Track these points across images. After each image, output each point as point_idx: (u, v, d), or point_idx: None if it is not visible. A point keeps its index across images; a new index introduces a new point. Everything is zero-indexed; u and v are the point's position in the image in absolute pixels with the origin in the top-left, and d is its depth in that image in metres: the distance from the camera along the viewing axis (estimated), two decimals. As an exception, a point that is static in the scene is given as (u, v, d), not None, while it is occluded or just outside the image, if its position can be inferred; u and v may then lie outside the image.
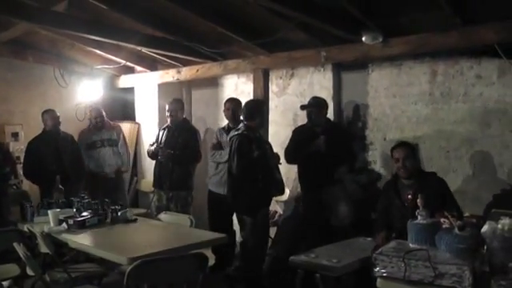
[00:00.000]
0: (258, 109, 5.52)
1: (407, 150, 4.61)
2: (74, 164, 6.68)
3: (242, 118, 5.55)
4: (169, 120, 6.65)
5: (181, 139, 6.51)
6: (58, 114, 6.78)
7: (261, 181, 5.22)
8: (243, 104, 5.70)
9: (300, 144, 5.80)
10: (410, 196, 4.38)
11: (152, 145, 6.74)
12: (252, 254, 5.41)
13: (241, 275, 5.50)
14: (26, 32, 6.87)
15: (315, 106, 5.80)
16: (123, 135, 7.65)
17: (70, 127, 7.35)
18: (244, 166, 5.19)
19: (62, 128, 6.87)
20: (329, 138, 5.62)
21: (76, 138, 7.17)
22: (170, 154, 6.42)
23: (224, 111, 6.41)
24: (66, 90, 8.33)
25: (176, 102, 6.74)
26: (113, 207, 5.06)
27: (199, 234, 4.73)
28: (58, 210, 5.03)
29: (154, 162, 6.75)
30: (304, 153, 5.72)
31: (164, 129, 6.73)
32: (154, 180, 6.76)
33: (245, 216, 5.36)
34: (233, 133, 5.47)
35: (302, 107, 5.87)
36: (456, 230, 3.67)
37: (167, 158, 6.44)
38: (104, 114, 7.43)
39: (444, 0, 4.45)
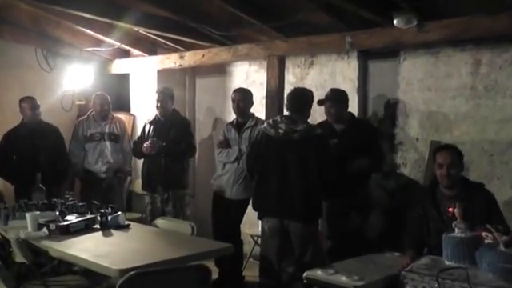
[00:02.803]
0: (310, 100, 5.42)
1: (454, 155, 4.44)
2: (56, 161, 6.67)
3: (286, 109, 5.42)
4: (158, 112, 6.70)
5: (173, 133, 6.59)
6: (39, 102, 6.79)
7: None
8: (289, 92, 5.52)
9: None
10: (451, 209, 4.25)
11: (138, 141, 6.74)
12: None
13: None
14: (1, 5, 6.82)
15: (335, 100, 5.68)
16: (127, 131, 7.65)
17: (55, 118, 7.37)
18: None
19: (45, 119, 6.85)
20: (352, 138, 5.54)
21: (63, 130, 7.15)
22: (163, 146, 6.44)
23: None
24: (49, 75, 8.31)
25: (165, 91, 6.82)
26: (102, 210, 5.04)
27: (201, 243, 4.76)
28: (38, 212, 5.03)
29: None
30: None
31: (151, 122, 6.77)
32: (143, 182, 6.80)
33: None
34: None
35: (320, 102, 5.71)
36: (501, 247, 3.60)
37: (159, 152, 6.45)
38: (110, 102, 7.39)
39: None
